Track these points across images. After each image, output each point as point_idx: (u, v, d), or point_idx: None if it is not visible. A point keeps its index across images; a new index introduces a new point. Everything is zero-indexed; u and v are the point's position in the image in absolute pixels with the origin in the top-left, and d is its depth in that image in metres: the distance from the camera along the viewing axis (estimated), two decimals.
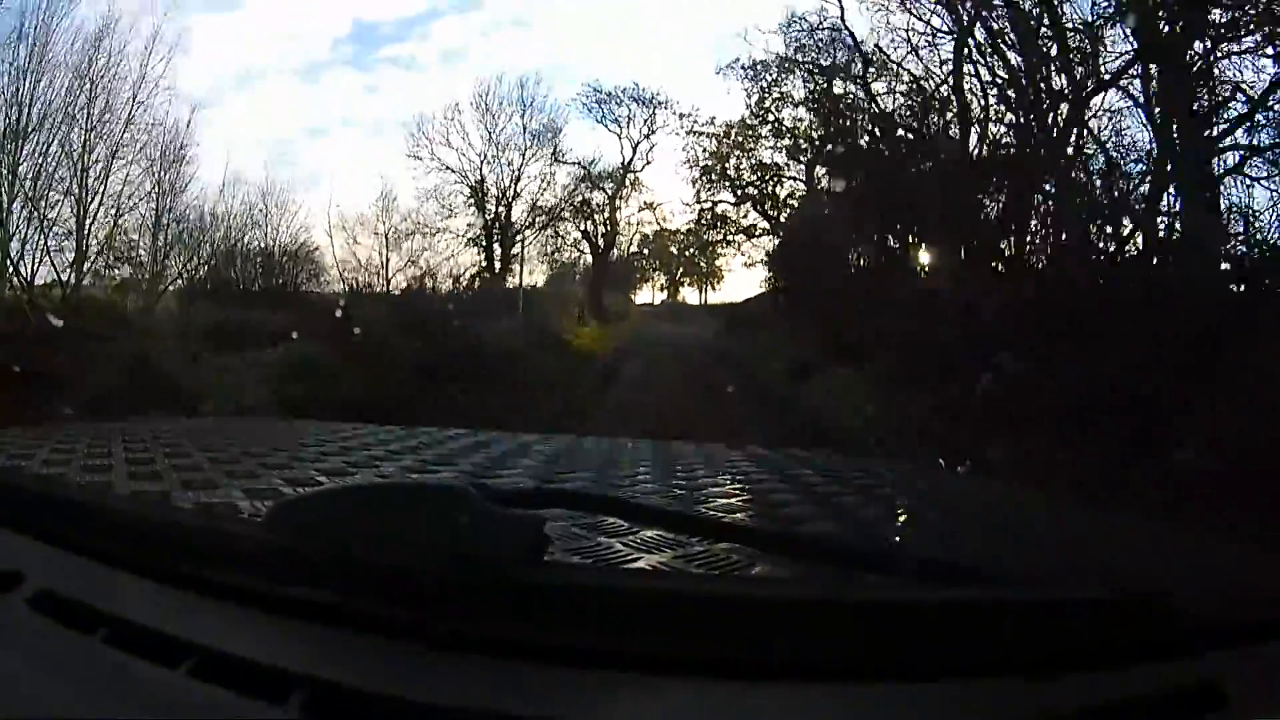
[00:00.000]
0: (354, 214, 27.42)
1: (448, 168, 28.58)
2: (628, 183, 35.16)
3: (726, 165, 33.85)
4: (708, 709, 0.58)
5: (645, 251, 47.97)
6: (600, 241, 35.73)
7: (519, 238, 29.39)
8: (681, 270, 50.94)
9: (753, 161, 34.25)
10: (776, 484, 1.61)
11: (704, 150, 34.25)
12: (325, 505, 0.75)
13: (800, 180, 31.99)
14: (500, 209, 29.14)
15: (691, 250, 48.49)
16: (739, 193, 34.64)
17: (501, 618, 0.62)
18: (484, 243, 28.59)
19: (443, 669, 0.60)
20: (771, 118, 31.27)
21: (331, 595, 0.65)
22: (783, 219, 34.25)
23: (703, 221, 34.79)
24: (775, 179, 32.58)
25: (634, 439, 2.62)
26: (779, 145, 32.48)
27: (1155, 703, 0.59)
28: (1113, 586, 0.72)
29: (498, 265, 28.01)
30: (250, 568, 0.70)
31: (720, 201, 34.73)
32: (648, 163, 34.27)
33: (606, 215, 35.21)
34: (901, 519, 1.40)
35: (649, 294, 49.25)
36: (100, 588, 0.73)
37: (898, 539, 1.22)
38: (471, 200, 28.72)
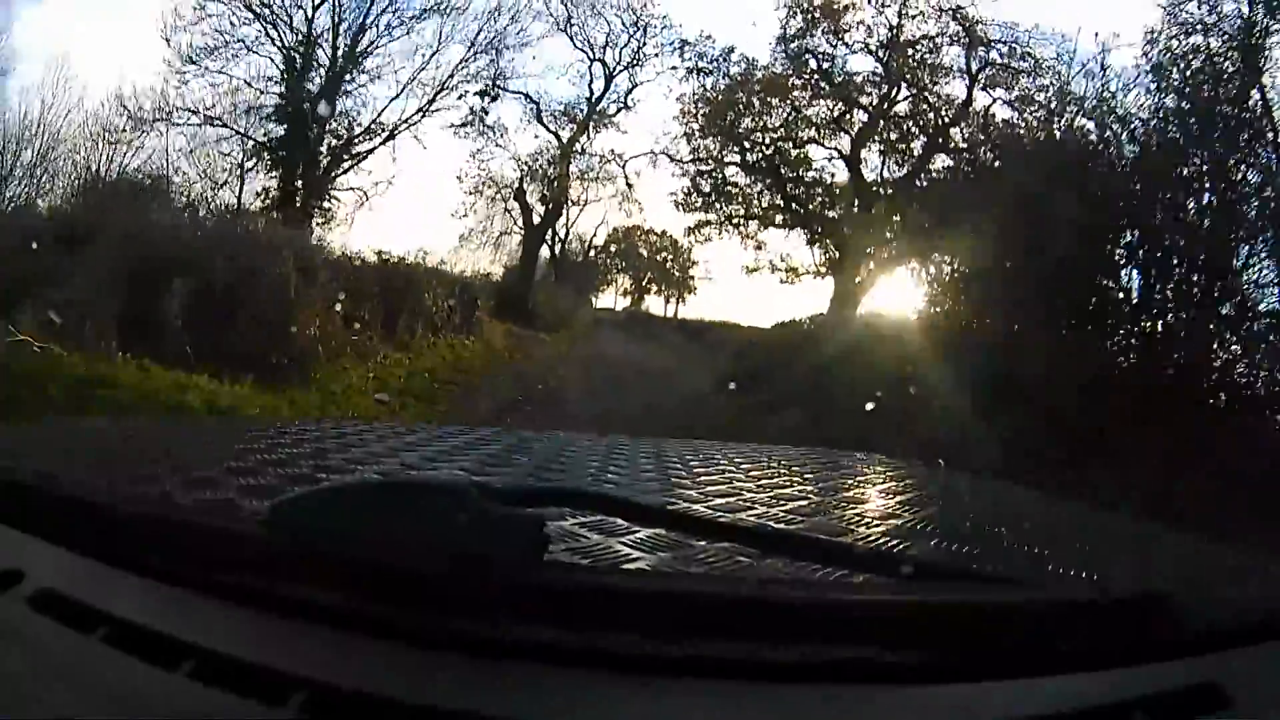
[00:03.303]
0: None
1: None
2: (591, 126, 20.34)
3: (740, 121, 19.68)
4: (708, 709, 0.52)
5: (612, 248, 34.88)
6: (540, 207, 20.59)
7: (358, 150, 14.03)
8: (650, 276, 37.84)
9: (783, 118, 19.54)
10: (781, 482, 1.37)
11: (708, 95, 19.72)
12: (325, 503, 0.65)
13: (836, 154, 19.19)
14: (315, 83, 13.41)
15: (664, 255, 35.99)
16: (753, 161, 20.03)
17: (501, 618, 0.55)
18: (276, 147, 13.16)
19: (442, 670, 0.53)
20: (813, 64, 18.58)
21: (331, 595, 0.57)
22: (812, 208, 19.76)
23: (698, 190, 20.02)
24: (803, 152, 19.61)
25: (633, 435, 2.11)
26: (820, 102, 19.19)
27: (1158, 702, 0.54)
28: (1113, 587, 0.71)
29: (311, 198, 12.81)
30: (250, 567, 0.61)
31: (729, 163, 20.00)
32: (624, 107, 20.11)
33: (556, 170, 20.25)
34: (904, 519, 1.14)
35: (611, 299, 35.97)
36: (100, 587, 0.64)
37: (898, 539, 0.97)
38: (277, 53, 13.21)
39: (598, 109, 20.18)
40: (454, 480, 0.84)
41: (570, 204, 22.28)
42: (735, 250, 37.92)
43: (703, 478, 1.31)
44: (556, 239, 26.18)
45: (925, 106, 18.32)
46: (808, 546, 0.76)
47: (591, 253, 32.92)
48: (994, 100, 17.31)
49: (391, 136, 14.07)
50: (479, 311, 13.73)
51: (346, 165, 13.66)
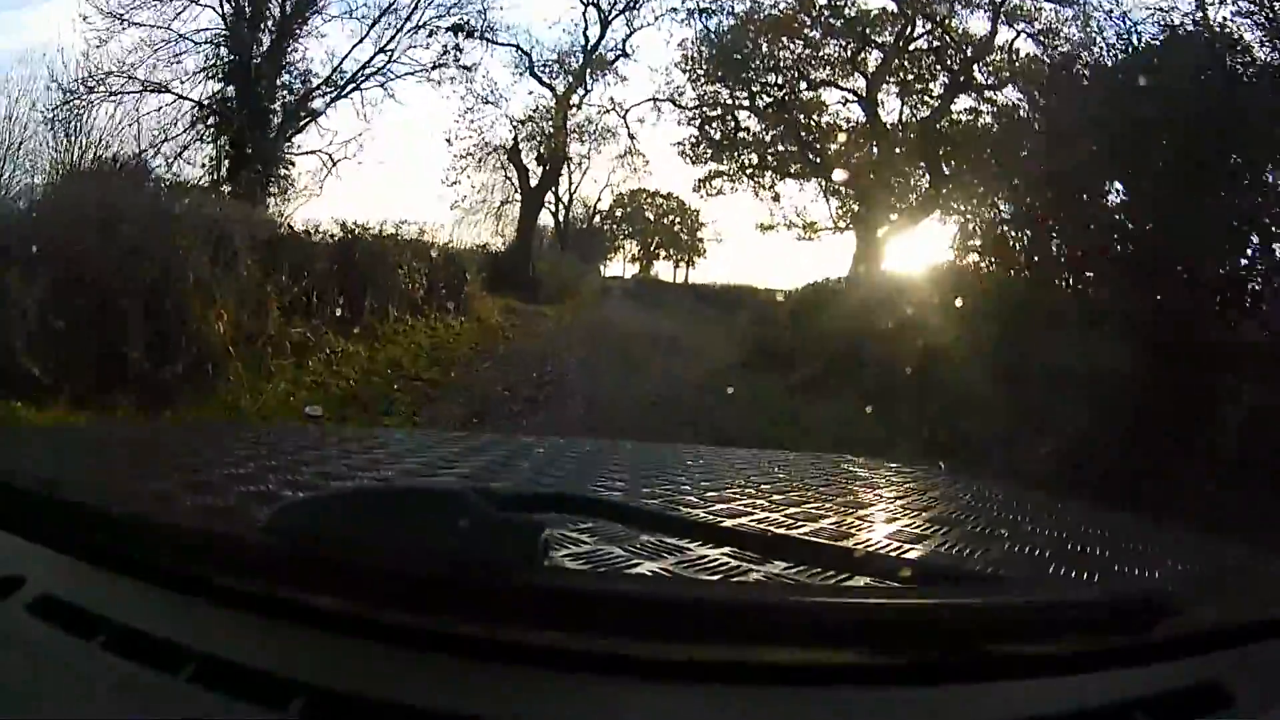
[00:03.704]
0: None
1: None
2: (589, 75, 18.52)
3: (749, 62, 17.57)
4: (708, 713, 0.52)
5: (618, 213, 33.24)
6: (536, 166, 18.75)
7: (316, 100, 12.10)
8: (657, 241, 36.66)
9: (794, 57, 17.42)
10: (780, 486, 1.35)
11: (712, 38, 17.62)
12: (326, 509, 0.65)
13: (853, 95, 17.22)
14: (265, 32, 11.39)
15: (671, 217, 34.38)
16: (764, 105, 18.40)
17: (501, 622, 0.55)
18: (220, 110, 10.89)
19: (442, 674, 0.53)
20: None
21: (332, 600, 0.57)
22: (829, 155, 17.80)
23: (707, 138, 18.13)
24: (817, 95, 17.58)
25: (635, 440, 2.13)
26: (832, 41, 17.12)
27: (1159, 702, 0.53)
28: (1113, 586, 0.72)
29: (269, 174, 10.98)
30: (251, 572, 0.61)
31: (740, 107, 18.10)
32: (623, 54, 18.03)
33: (552, 124, 18.43)
34: (904, 522, 1.10)
35: (619, 266, 34.78)
36: (101, 592, 0.64)
37: (899, 542, 0.95)
38: None
39: (594, 57, 18.27)
40: (454, 485, 0.87)
41: (569, 162, 20.45)
42: (746, 209, 36.26)
43: (703, 483, 1.28)
44: (560, 205, 24.62)
45: (946, 41, 16.42)
46: (807, 550, 0.75)
47: (596, 218, 31.29)
48: (1018, 34, 15.19)
49: (354, 86, 12.05)
50: (468, 286, 12.02)
51: (302, 123, 11.55)
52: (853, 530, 1.00)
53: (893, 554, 0.86)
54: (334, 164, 12.12)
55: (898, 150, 17.30)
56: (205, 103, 10.65)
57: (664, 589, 0.66)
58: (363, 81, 12.17)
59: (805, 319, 9.52)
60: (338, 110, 12.34)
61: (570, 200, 25.67)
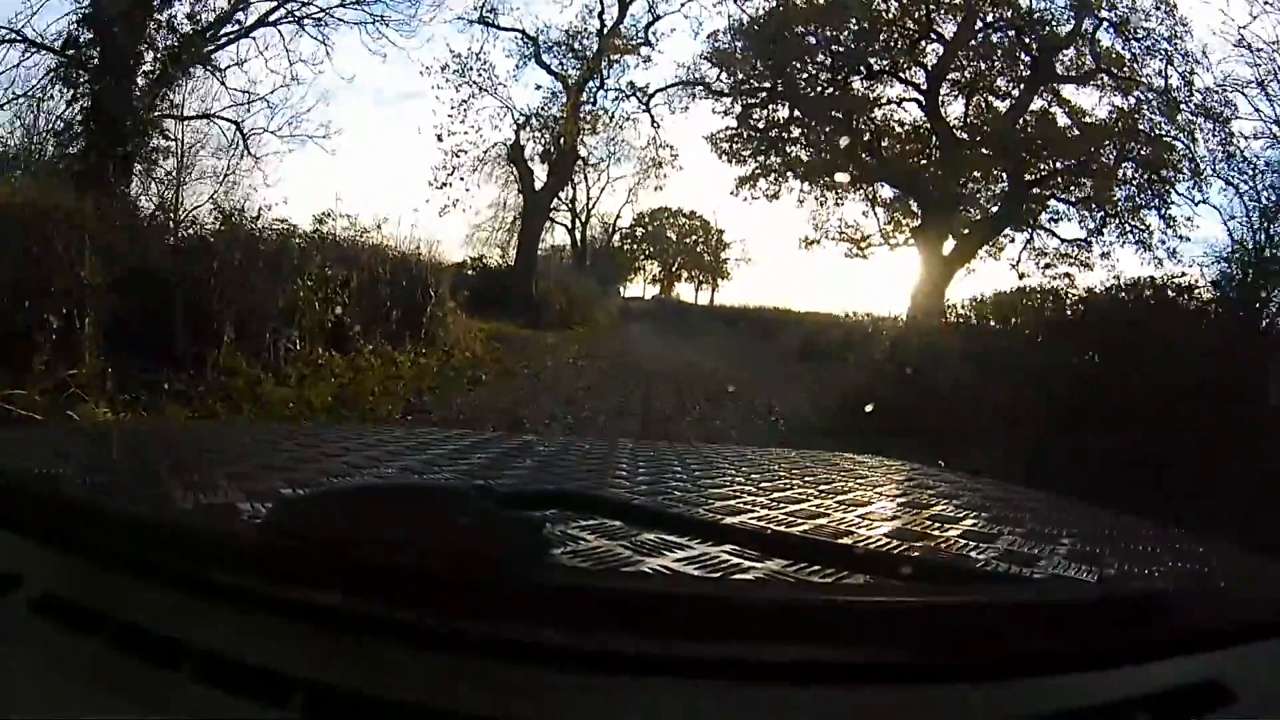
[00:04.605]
0: None
1: None
2: (605, 62, 15.62)
3: (793, 53, 14.55)
4: (709, 711, 0.51)
5: (639, 232, 30.86)
6: (541, 165, 15.68)
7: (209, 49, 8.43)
8: (679, 262, 34.48)
9: (845, 43, 14.34)
10: (781, 484, 1.31)
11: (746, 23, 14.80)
12: (326, 505, 0.65)
13: (913, 89, 14.18)
14: None
15: (693, 237, 31.93)
16: (813, 96, 15.17)
17: (502, 620, 0.54)
18: (76, 60, 7.13)
19: (444, 671, 0.53)
20: None
21: (332, 597, 0.56)
22: (887, 157, 14.63)
23: (750, 127, 14.94)
24: (872, 88, 14.52)
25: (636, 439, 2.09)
26: (886, 30, 14.23)
27: (1160, 700, 0.53)
28: (1115, 585, 0.70)
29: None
30: (251, 569, 0.60)
31: (782, 95, 15.04)
32: (644, 41, 15.43)
33: (562, 118, 15.52)
34: (905, 519, 1.09)
35: (639, 287, 32.67)
36: (101, 590, 0.64)
37: (899, 540, 0.93)
38: None
39: (610, 42, 15.30)
40: (455, 483, 0.84)
41: (584, 166, 17.40)
42: (781, 225, 33.80)
43: (704, 480, 1.27)
44: (577, 221, 21.83)
45: (1022, 26, 13.49)
46: (807, 548, 0.75)
47: (616, 237, 28.82)
48: (1098, 24, 13.12)
49: (258, 21, 8.56)
50: (435, 305, 8.67)
51: (179, 68, 7.77)
52: (853, 527, 0.98)
53: (893, 551, 0.86)
54: (245, 139, 8.71)
55: (966, 152, 14.21)
56: (52, 47, 7.27)
57: (664, 586, 0.65)
58: (270, 14, 8.67)
59: (944, 362, 6.02)
60: (233, 52, 8.57)
61: (588, 217, 23.04)
